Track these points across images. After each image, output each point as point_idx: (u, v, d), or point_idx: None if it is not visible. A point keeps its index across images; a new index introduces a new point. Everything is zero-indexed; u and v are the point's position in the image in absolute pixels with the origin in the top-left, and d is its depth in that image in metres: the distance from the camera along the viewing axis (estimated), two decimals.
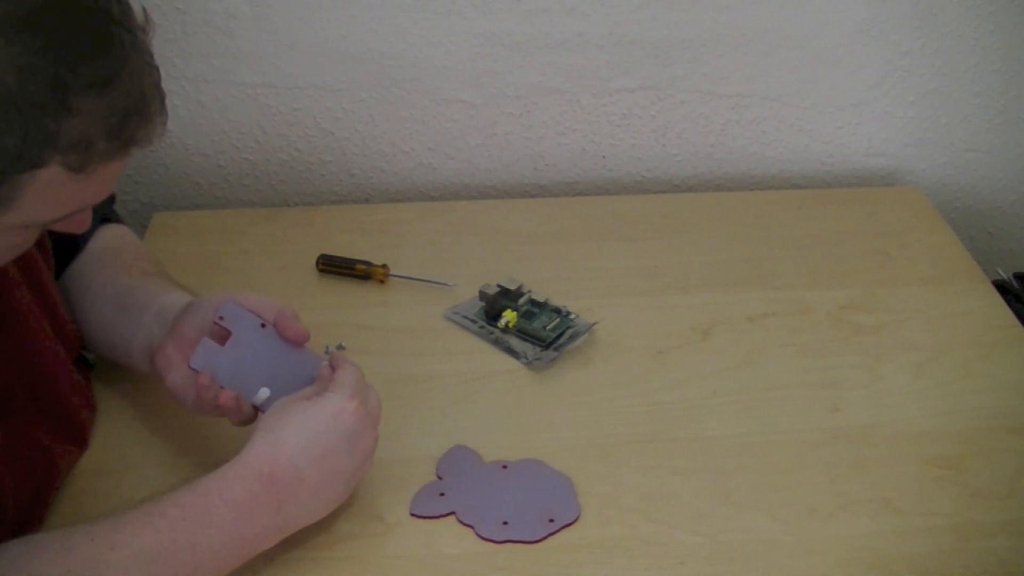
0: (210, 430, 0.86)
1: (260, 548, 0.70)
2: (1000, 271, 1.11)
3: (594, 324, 0.96)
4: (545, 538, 0.77)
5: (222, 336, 0.76)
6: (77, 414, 0.82)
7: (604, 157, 1.23)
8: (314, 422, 0.71)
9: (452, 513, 0.78)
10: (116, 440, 0.85)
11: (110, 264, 0.88)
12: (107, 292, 0.85)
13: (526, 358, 0.93)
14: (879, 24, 1.16)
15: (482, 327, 0.97)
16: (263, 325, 0.78)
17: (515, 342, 0.95)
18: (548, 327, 0.95)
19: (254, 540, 0.69)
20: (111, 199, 0.94)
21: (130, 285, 0.85)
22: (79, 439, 0.83)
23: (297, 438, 0.71)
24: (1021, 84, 1.22)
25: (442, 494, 0.80)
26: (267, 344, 0.77)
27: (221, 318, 0.76)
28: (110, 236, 0.91)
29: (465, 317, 0.98)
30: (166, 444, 0.85)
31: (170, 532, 0.66)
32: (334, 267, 1.04)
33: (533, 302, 0.98)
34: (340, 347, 0.93)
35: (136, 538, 0.66)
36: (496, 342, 0.95)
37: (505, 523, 0.77)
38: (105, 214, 0.92)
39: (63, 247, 0.87)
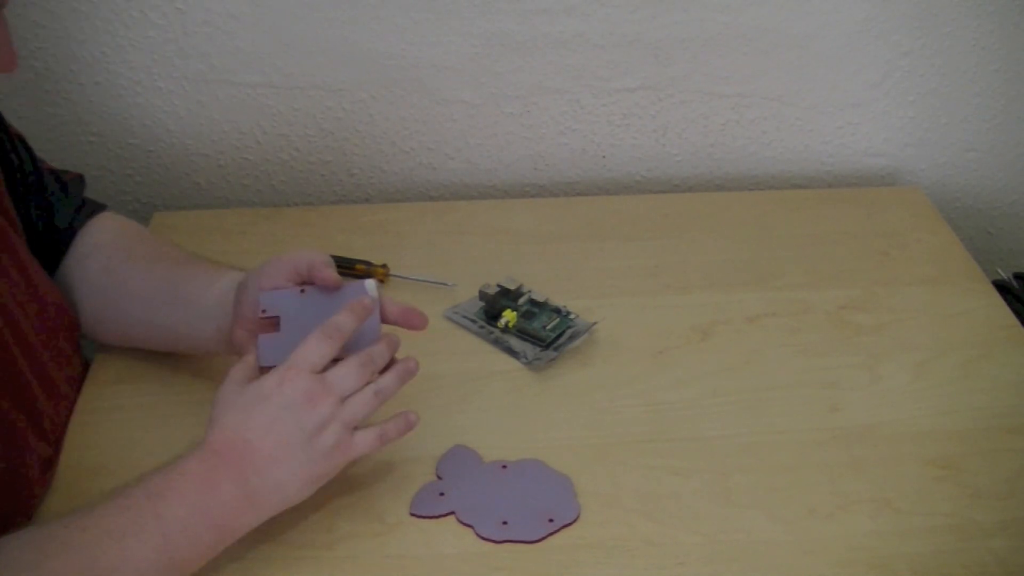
0: None
1: (233, 522, 0.70)
2: (1000, 271, 1.11)
3: (594, 324, 0.96)
4: (545, 538, 0.77)
5: (273, 323, 0.78)
6: (43, 409, 0.81)
7: (604, 157, 1.23)
8: (254, 396, 0.72)
9: (452, 513, 0.78)
10: (116, 440, 0.85)
11: (137, 256, 0.89)
12: (149, 286, 0.87)
13: (526, 358, 0.93)
14: (879, 24, 1.16)
15: (482, 327, 0.97)
16: (302, 290, 0.79)
17: (515, 342, 0.95)
18: (548, 327, 0.95)
19: (221, 510, 0.69)
20: (81, 182, 0.94)
21: (172, 278, 0.86)
22: (47, 437, 0.82)
23: (241, 414, 0.71)
24: (1021, 84, 1.22)
25: (442, 494, 0.80)
26: (315, 304, 0.77)
27: (264, 311, 0.78)
28: (113, 227, 0.92)
29: (465, 317, 0.98)
30: (165, 444, 0.84)
31: (136, 508, 0.67)
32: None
33: (533, 302, 0.98)
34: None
35: (105, 519, 0.67)
36: (496, 342, 0.95)
37: (505, 523, 0.77)
38: (84, 200, 0.93)
39: (55, 237, 0.88)
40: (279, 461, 0.71)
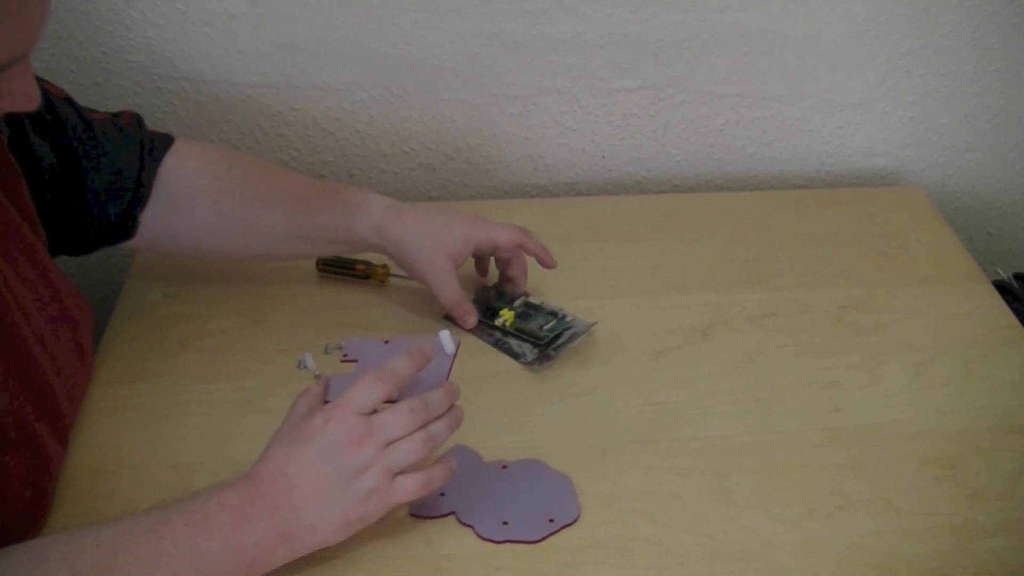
0: (209, 430, 0.86)
1: (263, 558, 0.70)
2: (1000, 271, 1.11)
3: (594, 324, 0.96)
4: (545, 538, 0.77)
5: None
6: (61, 411, 0.81)
7: (604, 157, 1.23)
8: (302, 433, 0.72)
9: (452, 513, 0.78)
10: (116, 440, 0.85)
11: (248, 202, 0.92)
12: (279, 230, 0.92)
13: (526, 359, 0.93)
14: (879, 24, 1.16)
15: (482, 328, 0.97)
16: (386, 341, 0.84)
17: (514, 343, 0.95)
18: (545, 327, 0.95)
19: (253, 547, 0.69)
20: (138, 124, 0.92)
21: (301, 220, 0.92)
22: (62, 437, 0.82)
23: (287, 449, 0.72)
24: (1021, 84, 1.22)
25: (442, 494, 0.80)
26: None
27: (345, 354, 0.87)
28: (200, 167, 0.93)
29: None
30: (166, 444, 0.85)
31: (172, 538, 0.67)
32: (334, 267, 1.04)
33: (528, 304, 0.98)
34: (340, 347, 0.94)
35: (140, 545, 0.66)
36: (496, 343, 0.95)
37: (505, 523, 0.77)
38: (142, 141, 0.91)
39: (128, 186, 0.89)
40: (314, 502, 0.70)
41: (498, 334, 0.96)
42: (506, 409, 0.89)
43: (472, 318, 0.95)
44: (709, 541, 0.77)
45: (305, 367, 0.92)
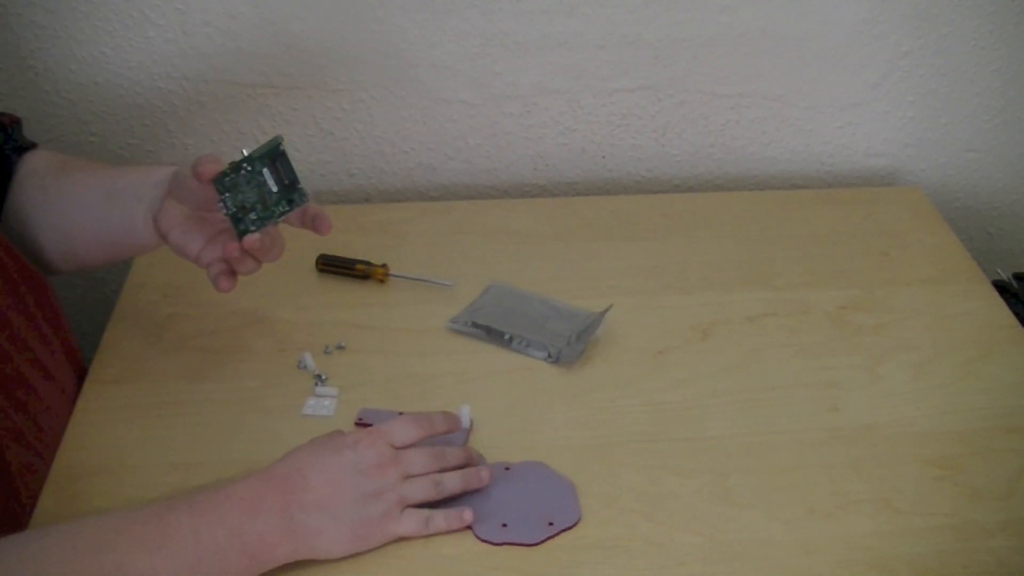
0: (209, 430, 0.86)
1: (265, 553, 0.70)
2: (1000, 271, 1.11)
3: (610, 306, 0.96)
4: (543, 541, 0.77)
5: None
6: (43, 396, 0.81)
7: (604, 157, 1.23)
8: (331, 445, 0.75)
9: None
10: (116, 440, 0.85)
11: (74, 168, 0.90)
12: (89, 188, 0.88)
13: (550, 356, 0.93)
14: (879, 24, 1.16)
15: (487, 335, 0.96)
16: (400, 413, 0.84)
17: (535, 345, 0.94)
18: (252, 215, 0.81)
19: (257, 539, 0.69)
20: (18, 124, 0.93)
21: (111, 176, 0.88)
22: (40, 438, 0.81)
23: (312, 453, 0.75)
24: (1021, 84, 1.22)
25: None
26: None
27: (360, 419, 0.86)
28: (44, 155, 0.92)
29: (465, 324, 0.98)
30: (166, 444, 0.85)
31: (176, 524, 0.68)
32: (334, 267, 1.04)
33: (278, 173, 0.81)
34: (339, 347, 0.94)
35: (143, 528, 0.68)
36: (512, 347, 0.95)
37: (504, 525, 0.77)
38: (23, 144, 0.92)
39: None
40: (326, 508, 0.72)
41: (512, 339, 0.95)
42: (506, 409, 0.89)
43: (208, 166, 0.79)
44: (708, 541, 0.77)
45: (305, 367, 0.92)
